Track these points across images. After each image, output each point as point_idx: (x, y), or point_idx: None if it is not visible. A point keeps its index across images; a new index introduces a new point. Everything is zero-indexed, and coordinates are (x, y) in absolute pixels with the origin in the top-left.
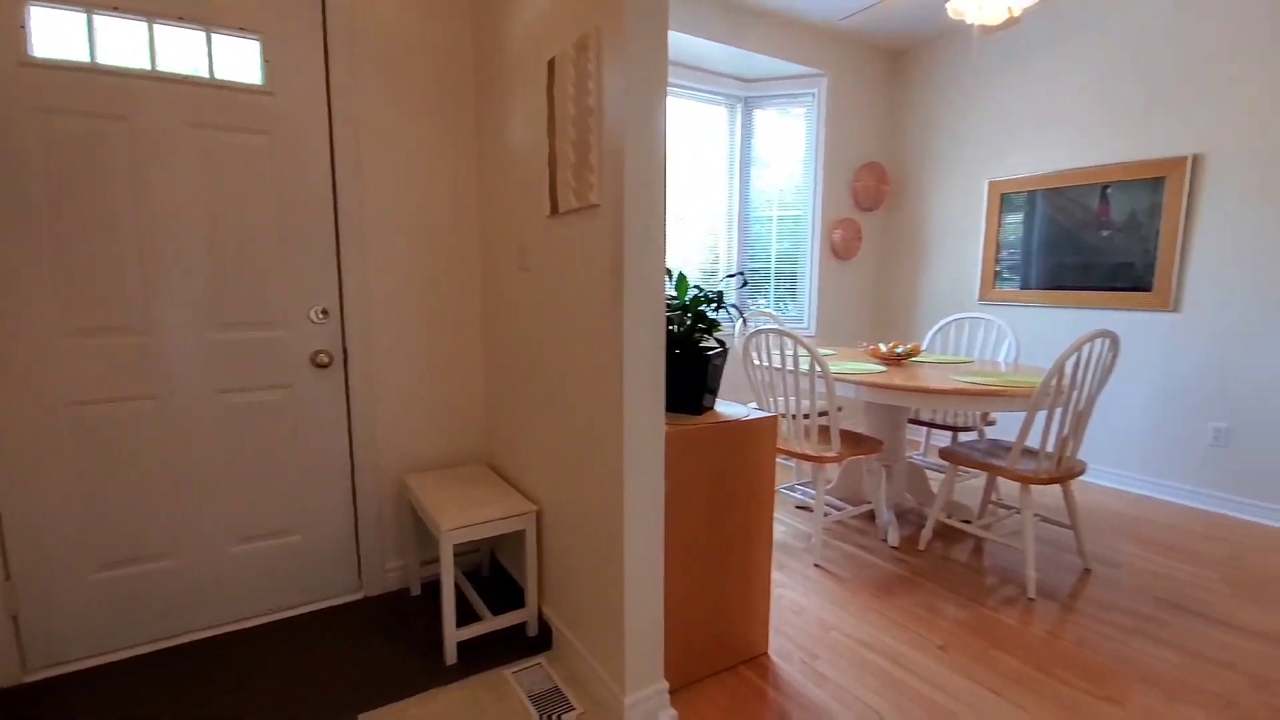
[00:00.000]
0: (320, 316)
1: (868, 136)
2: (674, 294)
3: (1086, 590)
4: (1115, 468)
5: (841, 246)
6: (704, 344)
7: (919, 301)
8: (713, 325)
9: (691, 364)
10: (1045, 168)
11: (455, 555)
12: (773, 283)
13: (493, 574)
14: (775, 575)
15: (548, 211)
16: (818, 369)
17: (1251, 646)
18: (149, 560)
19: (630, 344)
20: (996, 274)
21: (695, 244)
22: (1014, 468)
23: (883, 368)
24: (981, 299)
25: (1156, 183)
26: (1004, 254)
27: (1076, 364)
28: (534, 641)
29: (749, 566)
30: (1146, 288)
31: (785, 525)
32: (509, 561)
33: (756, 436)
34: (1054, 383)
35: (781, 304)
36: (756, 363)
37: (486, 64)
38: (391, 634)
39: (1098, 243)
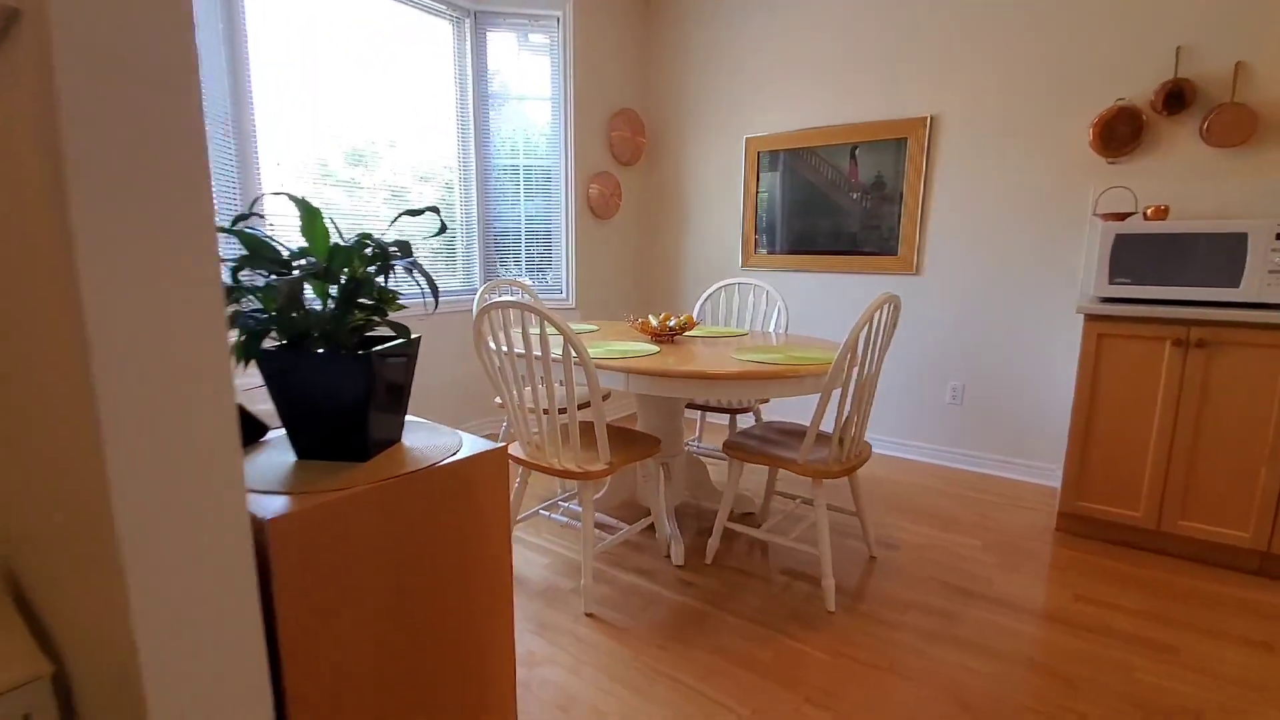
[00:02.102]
0: None
1: (621, 80)
2: (295, 247)
3: (878, 584)
4: (870, 431)
5: (599, 204)
6: (374, 334)
7: (684, 266)
8: (385, 301)
9: (345, 375)
10: (797, 124)
11: None
12: (524, 247)
13: None
14: (533, 645)
15: None
16: (574, 355)
17: (1039, 633)
18: None
19: (105, 342)
20: (757, 237)
21: (427, 200)
22: (806, 460)
23: (654, 347)
24: (744, 264)
25: (899, 143)
26: (763, 216)
27: (868, 336)
28: None
29: (477, 693)
30: (893, 251)
31: (548, 557)
32: None
33: (475, 482)
34: (848, 359)
35: (538, 273)
36: (493, 348)
37: None
38: None
39: (849, 205)
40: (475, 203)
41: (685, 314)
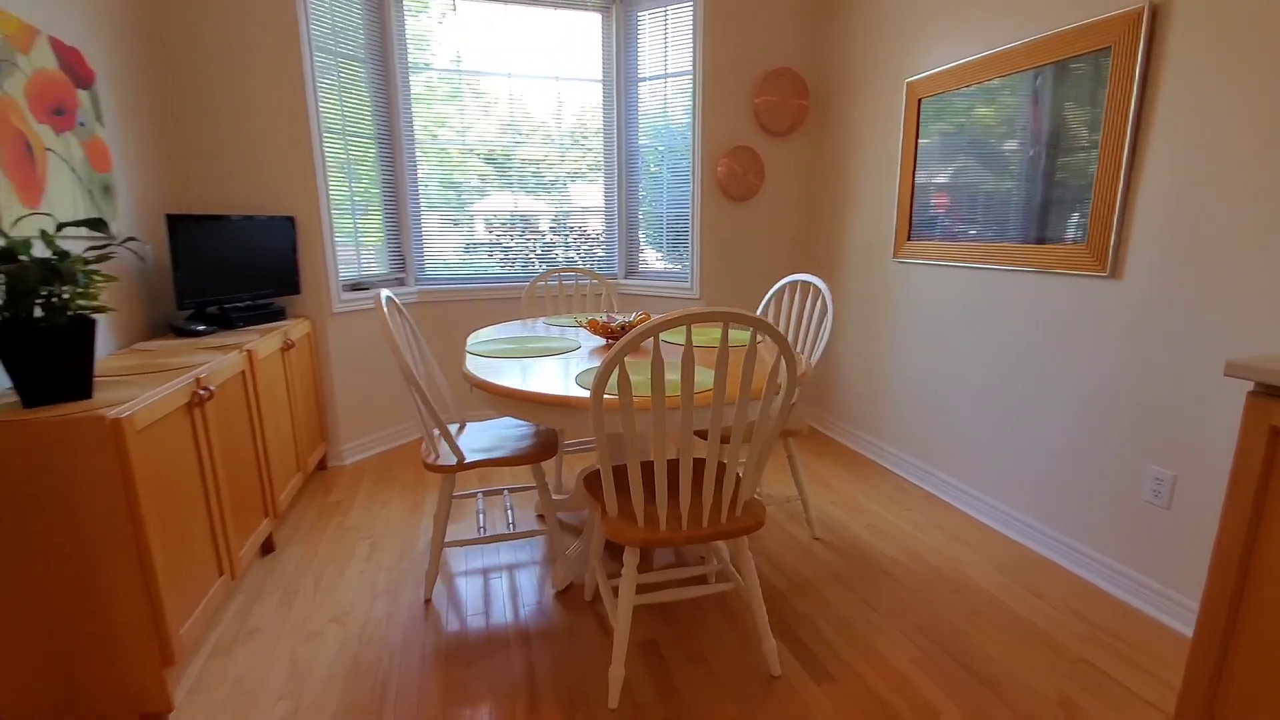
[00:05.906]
0: None
1: (776, 34)
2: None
3: None
4: (1004, 501)
5: (730, 183)
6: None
7: (843, 257)
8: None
9: None
10: (970, 53)
11: None
12: (664, 233)
13: None
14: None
15: None
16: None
17: None
18: None
19: None
20: (914, 218)
21: (581, 196)
22: (615, 515)
23: (574, 344)
24: (896, 254)
25: (1096, 62)
26: (922, 190)
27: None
28: None
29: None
30: (1077, 237)
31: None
32: None
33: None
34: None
35: (678, 261)
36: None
37: None
38: None
39: (1024, 166)
40: (619, 190)
41: (641, 312)
